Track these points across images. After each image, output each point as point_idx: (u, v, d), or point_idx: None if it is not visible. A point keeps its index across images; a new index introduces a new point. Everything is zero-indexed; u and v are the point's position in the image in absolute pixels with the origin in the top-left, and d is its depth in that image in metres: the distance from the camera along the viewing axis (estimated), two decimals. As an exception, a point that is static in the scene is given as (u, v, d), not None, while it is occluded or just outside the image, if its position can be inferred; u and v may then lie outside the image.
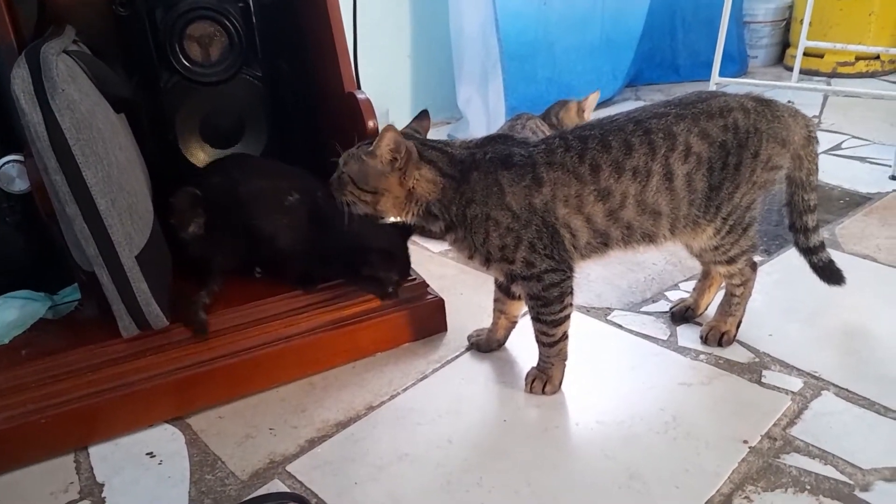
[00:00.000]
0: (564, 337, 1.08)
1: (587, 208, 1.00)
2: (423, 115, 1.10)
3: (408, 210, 1.03)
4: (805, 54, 2.74)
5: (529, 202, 0.99)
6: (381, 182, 1.00)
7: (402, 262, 1.22)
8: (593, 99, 1.82)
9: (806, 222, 1.18)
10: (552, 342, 1.07)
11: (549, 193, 0.99)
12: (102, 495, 0.96)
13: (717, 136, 1.02)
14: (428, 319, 1.27)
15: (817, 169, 1.15)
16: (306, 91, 1.46)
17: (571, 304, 1.06)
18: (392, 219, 1.05)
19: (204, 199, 1.23)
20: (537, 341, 1.09)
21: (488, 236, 1.01)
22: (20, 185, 1.09)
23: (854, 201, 1.74)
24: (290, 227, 1.21)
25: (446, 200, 1.02)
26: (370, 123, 1.19)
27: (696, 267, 1.29)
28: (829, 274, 1.22)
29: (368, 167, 0.99)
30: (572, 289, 1.05)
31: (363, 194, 1.01)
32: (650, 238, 1.06)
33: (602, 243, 1.04)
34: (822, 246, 1.21)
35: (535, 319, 1.06)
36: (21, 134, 0.95)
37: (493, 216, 1.00)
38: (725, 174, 1.03)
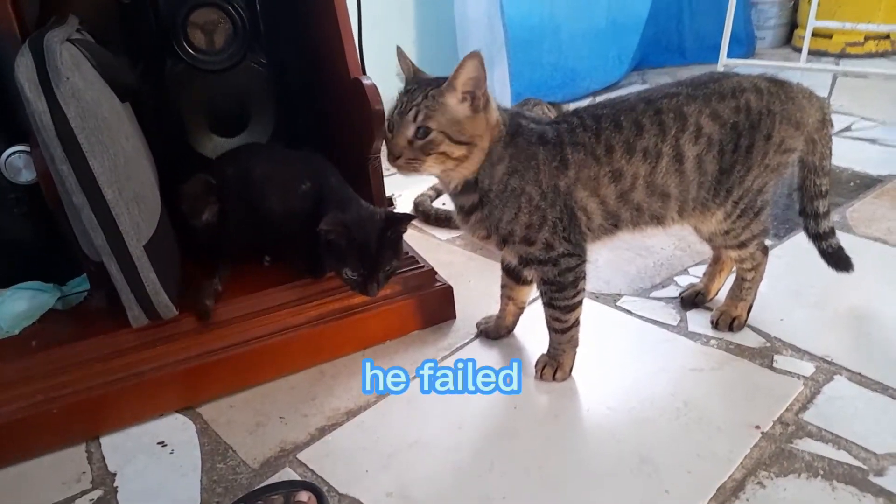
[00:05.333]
0: (576, 323, 1.07)
1: (602, 190, 0.99)
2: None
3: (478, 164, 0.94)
4: (813, 35, 2.69)
5: (555, 183, 0.97)
6: (473, 128, 0.88)
7: (366, 253, 1.09)
8: None
9: (817, 207, 1.17)
10: (564, 328, 1.07)
11: (573, 176, 0.98)
12: (115, 484, 0.96)
13: (728, 118, 1.01)
14: (437, 307, 1.27)
15: (831, 153, 1.13)
16: (311, 77, 1.44)
17: (584, 290, 1.05)
18: (455, 182, 0.96)
19: (218, 187, 1.23)
20: (549, 328, 1.08)
21: (519, 212, 0.97)
22: (27, 175, 1.09)
23: (864, 183, 1.73)
24: (303, 214, 1.18)
25: (495, 157, 0.95)
26: (377, 108, 1.17)
27: (705, 251, 1.28)
28: (838, 260, 1.20)
29: (458, 113, 0.89)
30: (585, 274, 1.04)
31: (458, 148, 0.89)
32: (658, 220, 1.05)
33: (613, 225, 1.03)
34: (831, 232, 1.19)
35: (548, 305, 1.06)
36: (26, 125, 0.94)
37: (527, 191, 0.97)
38: (737, 156, 1.02)
